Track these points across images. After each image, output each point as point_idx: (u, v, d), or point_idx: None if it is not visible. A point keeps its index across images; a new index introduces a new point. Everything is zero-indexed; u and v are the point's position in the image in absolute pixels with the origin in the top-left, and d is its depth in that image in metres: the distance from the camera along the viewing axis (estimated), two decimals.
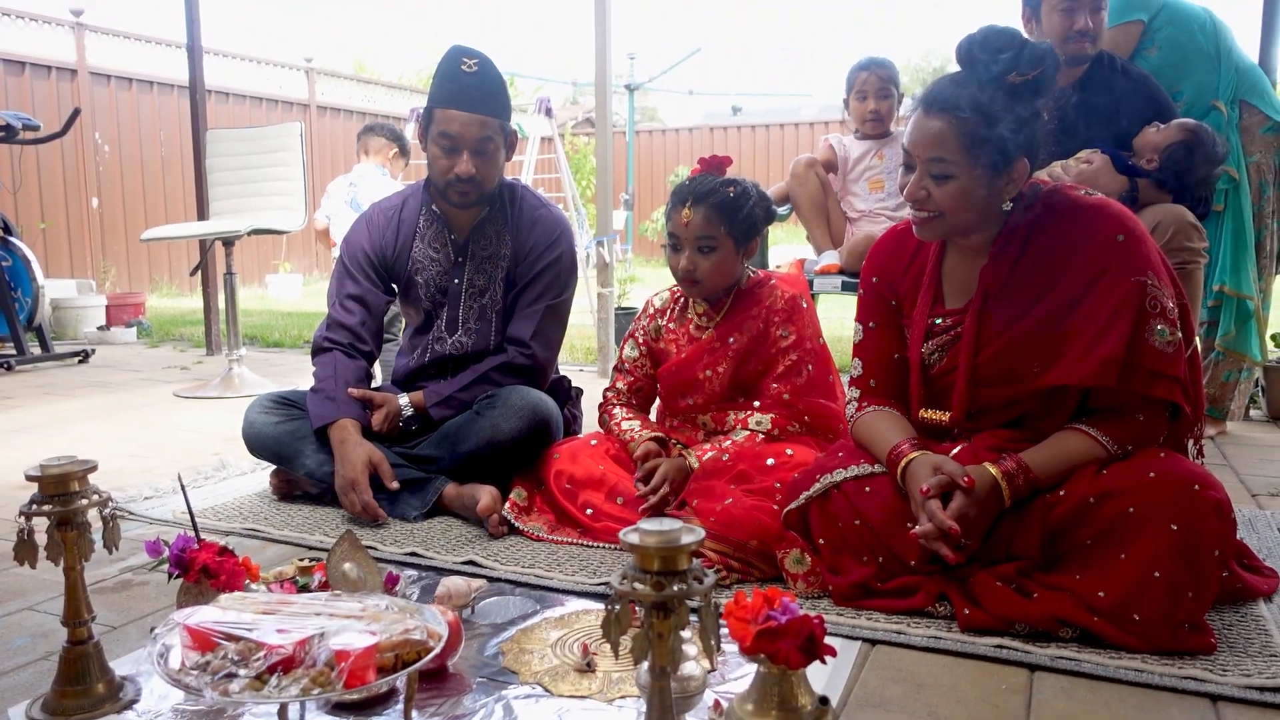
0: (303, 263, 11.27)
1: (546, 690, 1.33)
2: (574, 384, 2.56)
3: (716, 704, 1.26)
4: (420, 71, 20.43)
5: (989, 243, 1.63)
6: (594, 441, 2.18)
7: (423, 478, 2.17)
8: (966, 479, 1.50)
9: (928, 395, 1.72)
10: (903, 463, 1.59)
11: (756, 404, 2.07)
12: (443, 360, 2.37)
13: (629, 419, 2.18)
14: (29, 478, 1.24)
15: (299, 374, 4.50)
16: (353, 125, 11.15)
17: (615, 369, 2.30)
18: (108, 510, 1.29)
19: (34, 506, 1.24)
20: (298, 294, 9.87)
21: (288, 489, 2.34)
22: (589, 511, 2.02)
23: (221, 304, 4.57)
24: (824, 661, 1.00)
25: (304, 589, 1.48)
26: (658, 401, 2.29)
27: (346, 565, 1.45)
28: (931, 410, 1.71)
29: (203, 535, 1.44)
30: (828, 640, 1.00)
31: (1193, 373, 1.60)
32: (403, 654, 1.13)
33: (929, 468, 1.55)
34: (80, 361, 5.10)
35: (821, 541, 1.66)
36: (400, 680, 1.21)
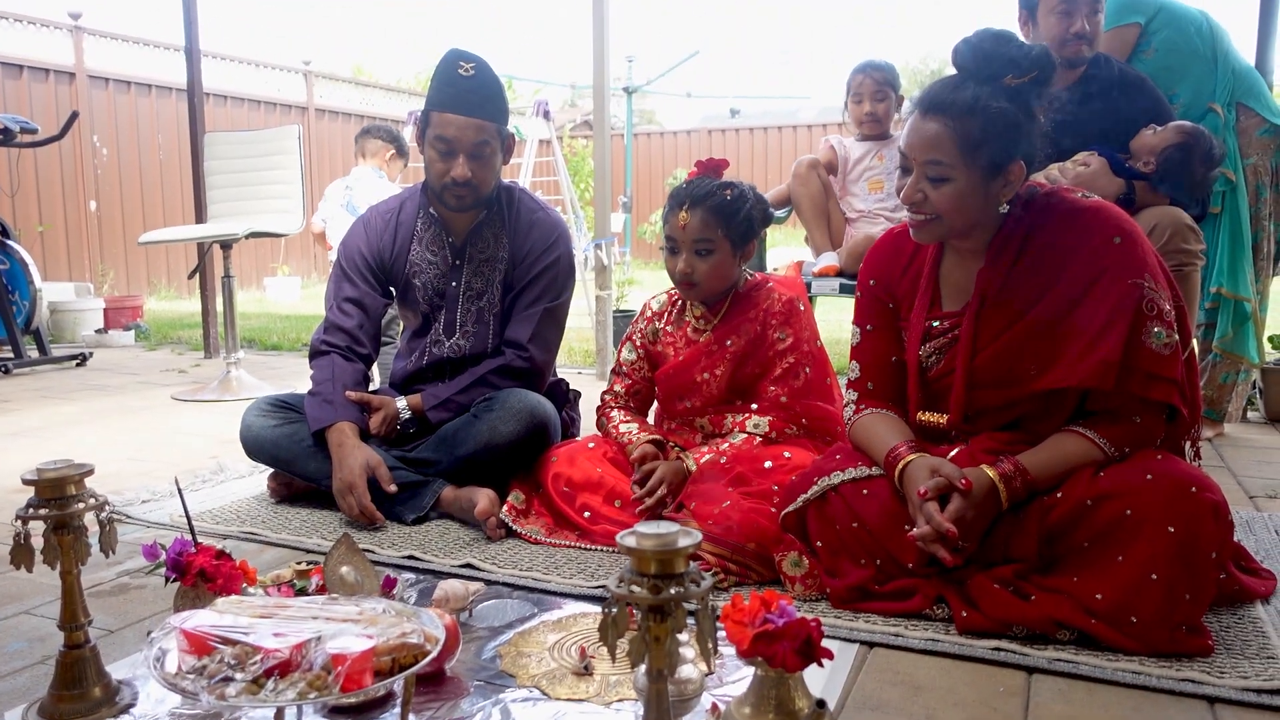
0: (301, 265, 11.27)
1: (544, 693, 1.33)
2: (572, 387, 2.56)
3: (714, 707, 1.26)
4: (419, 74, 20.44)
5: (986, 245, 1.63)
6: (592, 444, 2.18)
7: (420, 480, 2.17)
8: (964, 481, 1.50)
9: (925, 398, 1.72)
10: (900, 465, 1.59)
11: (754, 406, 2.07)
12: (440, 363, 2.37)
13: (627, 422, 2.18)
14: (25, 481, 1.24)
15: (297, 377, 4.50)
16: (351, 128, 11.15)
17: (613, 372, 2.30)
18: (104, 514, 1.29)
19: (30, 510, 1.24)
20: (296, 297, 9.87)
21: (285, 492, 2.34)
22: (587, 514, 2.02)
23: (219, 307, 4.57)
24: (821, 664, 1.00)
25: (301, 592, 1.48)
26: (655, 404, 2.29)
27: (344, 568, 1.45)
28: (929, 413, 1.71)
29: (200, 539, 1.44)
30: (825, 643, 1.00)
31: (1190, 375, 1.61)
32: (400, 657, 1.13)
33: (926, 470, 1.55)
34: (78, 364, 5.09)
35: (819, 544, 1.66)
36: (397, 684, 1.21)
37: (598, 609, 1.62)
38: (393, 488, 2.11)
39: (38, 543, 1.24)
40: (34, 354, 5.06)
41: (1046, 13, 2.55)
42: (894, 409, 1.75)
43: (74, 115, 5.12)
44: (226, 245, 4.16)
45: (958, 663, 1.43)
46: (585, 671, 1.38)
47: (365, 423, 2.24)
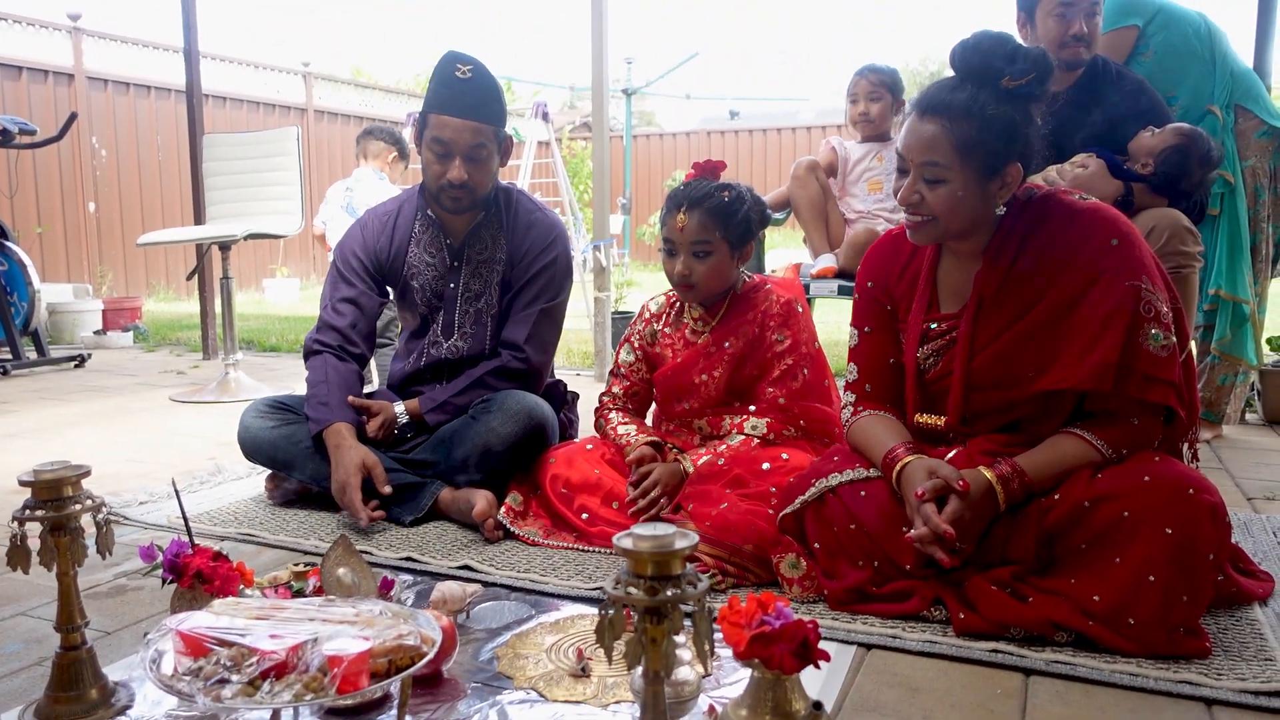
0: (300, 267, 11.27)
1: (541, 695, 1.33)
2: (570, 388, 2.56)
3: (711, 709, 1.26)
4: (418, 76, 20.43)
5: (984, 247, 1.63)
6: (590, 446, 2.18)
7: (418, 482, 2.17)
8: (961, 483, 1.50)
9: (923, 400, 1.72)
10: (898, 467, 1.59)
11: (752, 408, 2.07)
12: (439, 364, 2.37)
13: (625, 423, 2.18)
14: (22, 483, 1.24)
15: (295, 378, 4.49)
16: (350, 130, 11.16)
17: (611, 373, 2.30)
18: (101, 515, 1.28)
19: (27, 512, 1.24)
20: (295, 298, 9.88)
21: (283, 494, 2.34)
22: (585, 516, 2.02)
23: (218, 308, 4.57)
24: (818, 666, 1.00)
25: (298, 594, 1.48)
26: (654, 406, 2.29)
27: (341, 570, 1.45)
28: (927, 415, 1.71)
29: (197, 540, 1.44)
30: (822, 645, 1.00)
31: (1187, 377, 1.61)
32: (396, 659, 1.12)
33: (924, 472, 1.55)
34: (76, 366, 5.09)
35: (817, 546, 1.66)
36: (394, 686, 1.21)
37: (595, 611, 1.61)
38: (387, 489, 2.10)
39: (34, 544, 1.23)
40: (32, 355, 5.05)
41: (1045, 15, 2.55)
42: (892, 411, 1.75)
43: (73, 116, 5.12)
44: (225, 247, 4.16)
45: (955, 664, 1.43)
46: (582, 673, 1.38)
47: (362, 424, 2.24)
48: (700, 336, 2.14)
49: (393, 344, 3.84)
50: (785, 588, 1.68)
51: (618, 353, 2.30)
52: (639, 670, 0.94)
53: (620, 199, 10.17)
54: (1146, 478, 1.46)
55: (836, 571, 1.63)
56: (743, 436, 2.03)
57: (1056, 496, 1.52)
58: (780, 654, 0.98)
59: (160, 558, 1.40)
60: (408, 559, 1.90)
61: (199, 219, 5.22)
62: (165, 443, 3.15)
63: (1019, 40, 1.57)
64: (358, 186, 4.48)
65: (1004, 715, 1.29)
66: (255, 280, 10.59)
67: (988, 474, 1.52)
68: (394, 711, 1.25)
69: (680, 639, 0.94)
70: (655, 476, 1.98)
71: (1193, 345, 1.65)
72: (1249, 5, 3.49)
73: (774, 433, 2.03)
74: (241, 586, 1.40)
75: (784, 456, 1.94)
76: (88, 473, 1.27)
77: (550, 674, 1.39)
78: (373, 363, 3.86)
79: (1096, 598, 1.43)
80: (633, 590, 0.91)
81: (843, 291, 3.00)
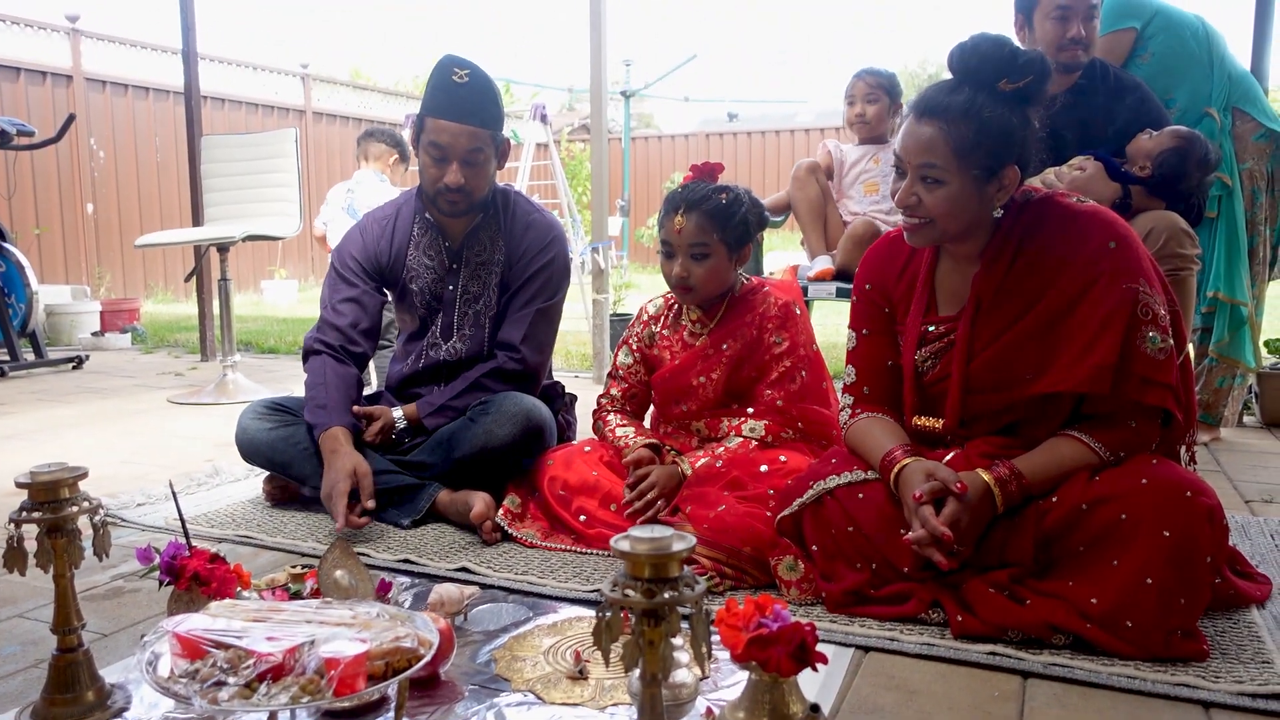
0: (298, 269, 11.26)
1: (539, 698, 1.33)
2: (568, 390, 2.56)
3: (709, 711, 1.25)
4: (417, 78, 20.43)
5: (981, 250, 1.63)
6: (588, 448, 2.18)
7: (416, 484, 2.16)
8: (959, 485, 1.50)
9: (921, 402, 1.72)
10: (896, 469, 1.59)
11: (750, 410, 2.07)
12: (437, 366, 2.36)
13: (623, 425, 2.18)
14: (19, 484, 1.23)
15: (294, 380, 4.49)
16: (349, 131, 11.16)
17: (610, 375, 2.30)
18: (98, 517, 1.28)
19: (24, 513, 1.23)
20: (293, 300, 9.87)
21: (281, 495, 2.34)
22: (583, 518, 2.01)
23: (216, 310, 4.57)
24: (816, 669, 1.00)
25: (296, 596, 1.48)
26: (652, 408, 2.29)
27: (338, 572, 1.45)
28: (925, 417, 1.71)
29: (194, 542, 1.44)
30: (820, 647, 1.00)
31: (1185, 379, 1.61)
32: (394, 661, 1.12)
33: (922, 474, 1.55)
34: (74, 367, 5.09)
35: (815, 548, 1.66)
36: (391, 688, 1.21)
37: (593, 613, 1.61)
38: (370, 503, 2.04)
39: (31, 546, 1.23)
40: (30, 357, 5.05)
41: (1043, 18, 2.55)
42: (890, 413, 1.75)
43: (71, 118, 5.12)
44: (223, 248, 4.16)
45: (953, 667, 1.43)
46: (580, 676, 1.38)
47: (360, 427, 2.23)
48: (698, 339, 2.14)
49: (392, 345, 3.84)
50: (783, 590, 1.68)
51: (616, 355, 2.30)
52: (636, 672, 0.94)
53: (619, 201, 10.17)
54: (1144, 480, 1.46)
55: (834, 574, 1.63)
56: (741, 439, 2.03)
57: (1054, 499, 1.52)
58: (778, 656, 0.98)
59: (157, 560, 1.40)
60: (405, 561, 1.90)
61: (197, 221, 5.22)
62: (163, 444, 3.15)
63: (1017, 43, 1.57)
64: (359, 188, 4.48)
65: (1002, 718, 1.29)
66: (253, 282, 10.58)
67: (985, 476, 1.52)
68: (391, 714, 1.24)
69: (678, 641, 0.94)
70: (652, 479, 1.98)
71: (1190, 348, 1.65)
72: (1247, 8, 3.49)
73: (772, 435, 2.03)
74: (238, 589, 1.40)
75: (782, 459, 1.94)
76: (85, 474, 1.27)
77: (548, 676, 1.38)
78: (371, 364, 3.85)
79: (1094, 600, 1.43)
80: (630, 592, 0.91)
81: (841, 294, 3.00)
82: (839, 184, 3.26)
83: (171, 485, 1.57)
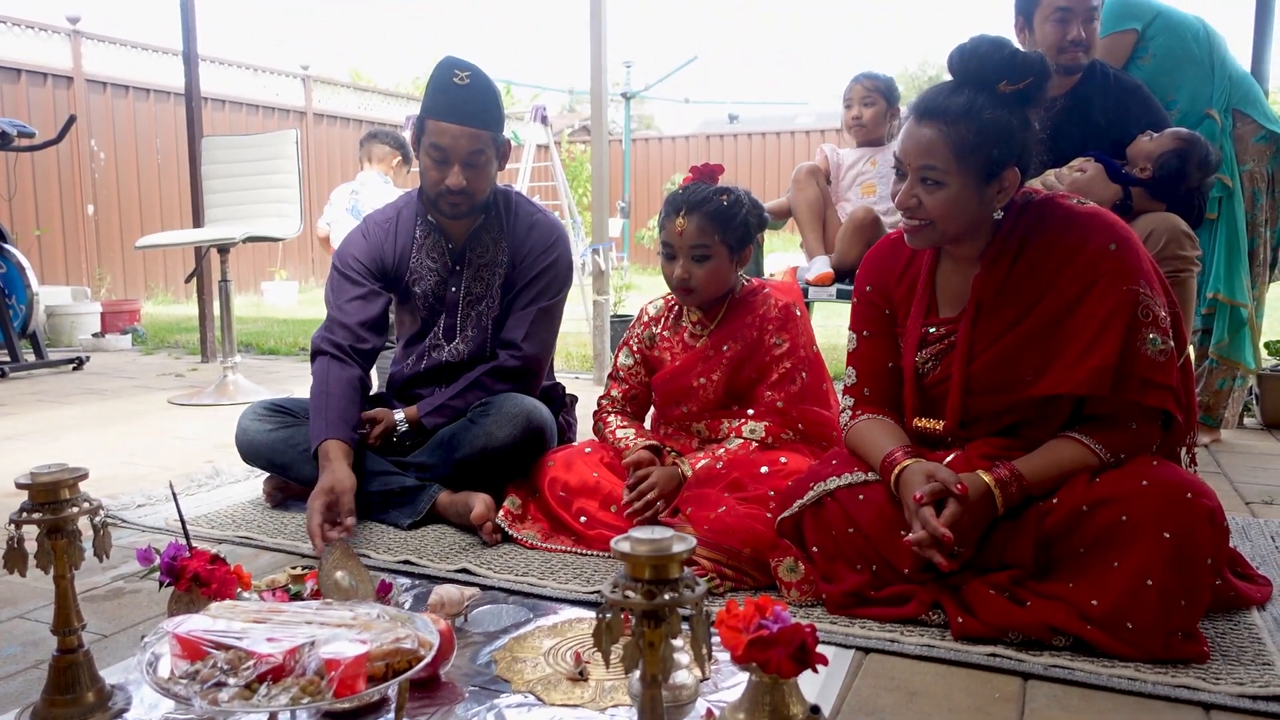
0: (298, 270, 11.26)
1: (539, 699, 1.33)
2: (569, 391, 2.56)
3: (709, 713, 1.25)
4: (417, 79, 20.44)
5: (981, 251, 1.63)
6: (589, 449, 2.18)
7: (416, 485, 2.16)
8: (960, 486, 1.50)
9: (921, 404, 1.72)
10: (896, 470, 1.59)
11: (750, 412, 2.07)
12: (440, 367, 2.36)
13: (624, 427, 2.18)
14: (19, 485, 1.23)
15: (294, 381, 4.50)
16: (349, 133, 11.16)
17: (610, 377, 2.30)
18: (98, 518, 1.28)
19: (24, 514, 1.23)
20: (293, 301, 9.87)
21: (281, 496, 2.34)
22: (583, 519, 2.01)
23: (216, 311, 4.57)
24: (816, 670, 1.00)
25: (296, 597, 1.48)
26: (652, 409, 2.29)
27: (339, 573, 1.45)
28: (925, 419, 1.71)
29: (195, 543, 1.44)
30: (820, 649, 1.00)
31: (1185, 381, 1.61)
32: (394, 663, 1.12)
33: (922, 475, 1.55)
34: (74, 368, 5.09)
35: (815, 549, 1.65)
36: (391, 689, 1.21)
37: (593, 614, 1.61)
38: (350, 520, 1.98)
39: (31, 547, 1.23)
40: (30, 358, 5.05)
41: (1043, 19, 2.56)
42: (890, 415, 1.75)
43: (71, 119, 5.12)
44: (224, 249, 4.16)
45: (953, 668, 1.43)
46: (580, 677, 1.38)
47: (362, 435, 2.22)
48: (699, 340, 2.14)
49: (392, 347, 3.84)
50: (783, 591, 1.68)
51: (616, 356, 2.30)
52: (636, 674, 0.94)
53: (619, 202, 10.17)
54: (1144, 482, 1.46)
55: (835, 575, 1.63)
56: (741, 440, 2.03)
57: (1055, 500, 1.52)
58: (778, 658, 0.98)
59: (157, 561, 1.40)
60: (406, 562, 1.90)
61: (197, 222, 5.22)
62: (163, 445, 3.15)
63: (1017, 45, 1.58)
64: (364, 190, 4.48)
65: (1002, 719, 1.28)
66: (254, 283, 10.59)
67: (986, 478, 1.52)
68: (391, 715, 1.24)
69: (678, 643, 0.94)
70: (652, 480, 1.98)
71: (1190, 349, 1.65)
72: (1247, 9, 3.49)
73: (772, 436, 2.03)
74: (239, 589, 1.40)
75: (782, 460, 1.94)
76: (85, 475, 1.27)
77: (548, 677, 1.38)
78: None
79: (1095, 602, 1.43)
80: (630, 594, 0.91)
81: (841, 295, 3.00)
82: (836, 187, 3.27)
83: (172, 486, 1.57)
